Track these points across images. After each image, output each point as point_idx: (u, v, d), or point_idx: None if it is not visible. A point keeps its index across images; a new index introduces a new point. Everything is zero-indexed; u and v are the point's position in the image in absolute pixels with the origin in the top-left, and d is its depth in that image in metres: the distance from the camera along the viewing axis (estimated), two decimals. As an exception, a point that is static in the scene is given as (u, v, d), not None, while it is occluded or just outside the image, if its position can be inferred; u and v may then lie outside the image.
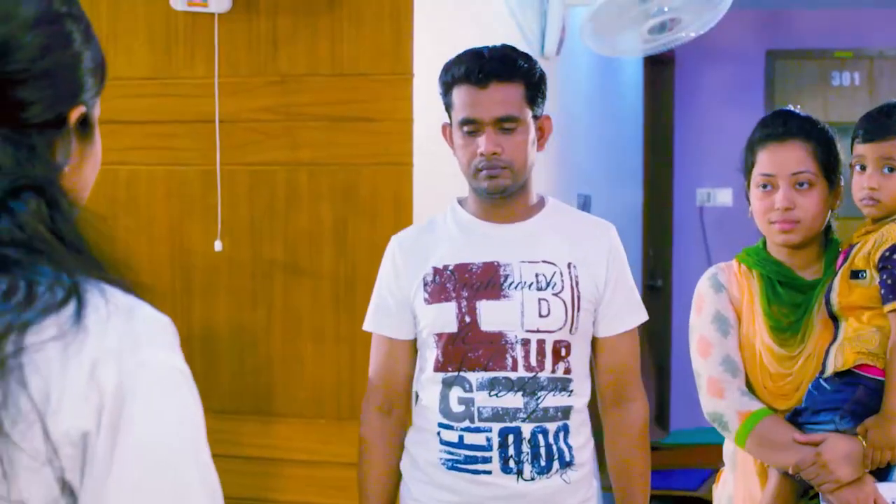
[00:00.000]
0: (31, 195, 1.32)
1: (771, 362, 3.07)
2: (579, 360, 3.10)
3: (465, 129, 3.04)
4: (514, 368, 3.02)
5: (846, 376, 2.93)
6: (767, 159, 3.09)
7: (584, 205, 6.29)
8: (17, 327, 1.25)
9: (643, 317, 3.21)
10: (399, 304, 3.16)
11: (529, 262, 3.07)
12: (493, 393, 3.02)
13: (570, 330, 3.06)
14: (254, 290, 4.02)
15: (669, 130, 8.83)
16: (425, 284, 3.10)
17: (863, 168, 3.03)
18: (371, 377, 3.25)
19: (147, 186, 4.12)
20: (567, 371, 3.06)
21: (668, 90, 8.84)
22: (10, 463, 1.24)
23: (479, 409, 3.03)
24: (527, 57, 3.09)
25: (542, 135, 3.12)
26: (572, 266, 3.08)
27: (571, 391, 3.07)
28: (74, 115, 1.41)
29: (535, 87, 3.06)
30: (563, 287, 3.05)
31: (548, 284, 3.05)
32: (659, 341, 8.37)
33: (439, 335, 3.07)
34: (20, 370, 1.25)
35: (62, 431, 1.26)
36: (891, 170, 2.99)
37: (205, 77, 4.02)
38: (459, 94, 3.04)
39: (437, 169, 3.93)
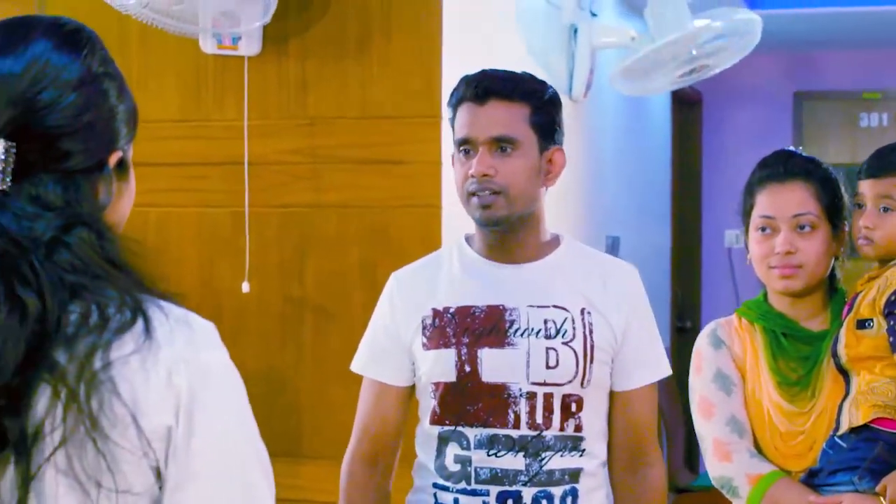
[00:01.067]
0: (82, 229, 1.55)
1: (781, 420, 2.89)
2: (594, 416, 2.79)
3: (462, 149, 2.77)
4: (517, 426, 2.71)
5: (863, 432, 2.75)
6: (767, 201, 2.93)
7: (613, 246, 6.28)
8: (101, 346, 1.50)
9: (664, 371, 2.90)
10: (395, 347, 2.86)
11: (538, 306, 2.76)
12: (491, 452, 2.72)
13: (582, 383, 2.74)
14: (283, 332, 4.03)
15: (697, 172, 8.82)
16: (424, 328, 2.80)
17: (860, 206, 2.90)
18: (357, 424, 2.97)
19: (177, 228, 4.14)
20: (578, 428, 2.75)
21: (696, 131, 8.84)
22: (113, 459, 1.49)
23: (476, 469, 2.73)
24: (538, 81, 2.84)
25: (551, 168, 2.80)
26: (586, 312, 2.76)
27: (583, 451, 2.76)
28: (112, 159, 1.65)
29: (542, 110, 2.77)
30: (574, 335, 2.74)
31: (558, 332, 2.74)
32: (688, 382, 8.33)
33: (436, 384, 2.78)
34: (111, 381, 1.49)
35: (152, 428, 1.52)
36: (886, 209, 2.85)
37: (234, 119, 4.04)
38: (460, 113, 2.78)
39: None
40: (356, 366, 2.97)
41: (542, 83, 2.84)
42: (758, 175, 2.99)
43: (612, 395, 2.84)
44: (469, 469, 2.74)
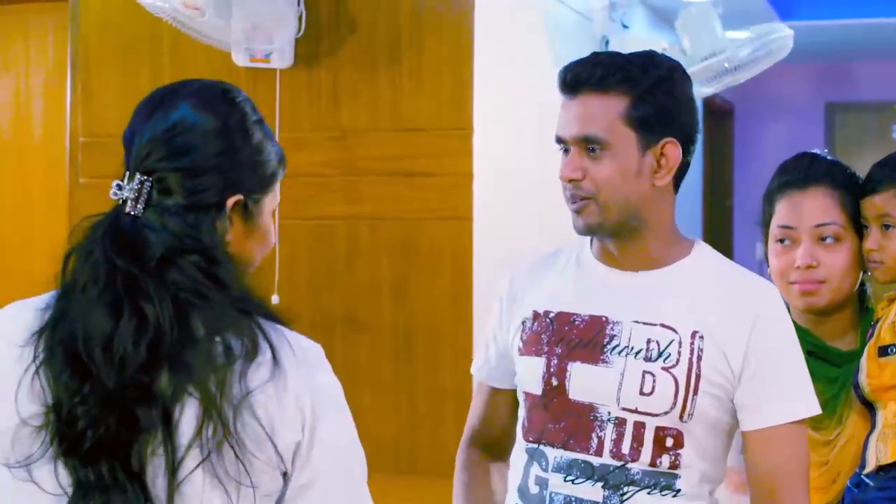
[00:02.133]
0: (194, 255, 1.83)
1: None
2: (696, 455, 2.37)
3: (560, 147, 2.43)
4: (598, 453, 2.38)
5: (891, 470, 2.48)
6: (786, 209, 2.66)
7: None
8: (239, 375, 1.78)
9: (805, 410, 2.38)
10: (500, 348, 2.59)
11: (644, 323, 2.39)
12: (568, 478, 2.40)
13: (682, 416, 2.34)
14: (313, 344, 4.03)
15: (729, 183, 8.80)
16: (523, 330, 2.51)
17: (866, 228, 2.64)
18: (468, 421, 2.74)
19: (208, 240, 4.15)
20: (674, 466, 2.35)
21: (727, 143, 8.82)
22: (250, 466, 1.78)
23: (551, 494, 2.42)
24: (648, 63, 2.39)
25: (660, 165, 2.38)
26: (698, 336, 2.36)
27: (678, 492, 2.36)
28: (230, 202, 1.90)
29: (646, 101, 2.35)
30: (678, 361, 2.35)
31: (659, 355, 2.36)
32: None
33: (526, 395, 2.49)
34: (251, 407, 1.78)
35: (284, 445, 1.81)
36: (888, 227, 2.60)
37: (266, 132, 4.04)
38: (561, 105, 2.44)
39: (498, 223, 3.94)
40: (473, 366, 2.73)
41: (652, 65, 2.40)
42: (777, 181, 2.73)
43: (743, 437, 2.41)
44: (545, 493, 2.44)
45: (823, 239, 2.64)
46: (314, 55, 4.01)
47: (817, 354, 2.65)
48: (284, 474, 1.85)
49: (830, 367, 2.66)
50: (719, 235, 8.62)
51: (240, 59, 3.94)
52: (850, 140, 8.75)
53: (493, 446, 2.69)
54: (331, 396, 1.93)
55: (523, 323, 2.51)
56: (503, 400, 2.65)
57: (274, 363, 1.83)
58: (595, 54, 2.41)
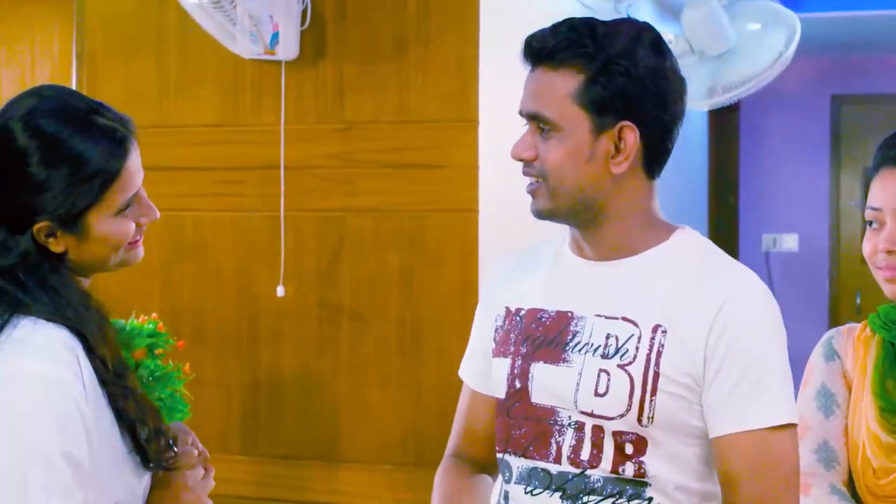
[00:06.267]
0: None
1: (875, 454, 2.31)
2: (667, 463, 2.12)
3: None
4: (557, 460, 2.16)
5: None
6: (876, 189, 2.36)
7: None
8: None
9: (780, 416, 2.07)
10: (481, 347, 2.39)
11: (606, 316, 2.16)
12: (528, 489, 2.19)
13: (640, 419, 2.09)
14: (319, 336, 4.03)
15: (734, 176, 8.79)
16: (496, 329, 2.33)
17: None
18: (452, 427, 2.50)
19: (213, 232, 4.15)
20: (640, 475, 2.10)
21: (733, 136, 8.81)
22: None
23: None
24: (613, 34, 2.13)
25: (617, 150, 2.14)
26: (660, 330, 2.11)
27: (650, 500, 2.11)
28: (36, 228, 2.06)
29: (603, 80, 2.10)
30: (634, 357, 2.11)
31: (616, 351, 2.12)
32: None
33: (497, 399, 2.30)
34: None
35: None
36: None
37: (271, 124, 4.04)
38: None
39: (503, 215, 3.93)
40: (461, 367, 2.49)
41: (614, 36, 2.13)
42: (874, 158, 2.42)
43: (712, 444, 2.13)
44: None
45: None
46: (319, 47, 4.01)
47: None
48: None
49: None
50: (724, 228, 8.61)
51: (245, 52, 3.93)
52: (855, 132, 8.73)
53: (477, 456, 2.42)
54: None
55: (496, 320, 2.34)
56: (484, 405, 2.39)
57: None
58: (558, 23, 2.17)
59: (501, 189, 3.98)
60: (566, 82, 2.11)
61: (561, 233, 2.30)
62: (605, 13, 5.03)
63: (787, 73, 5.22)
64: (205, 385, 3.96)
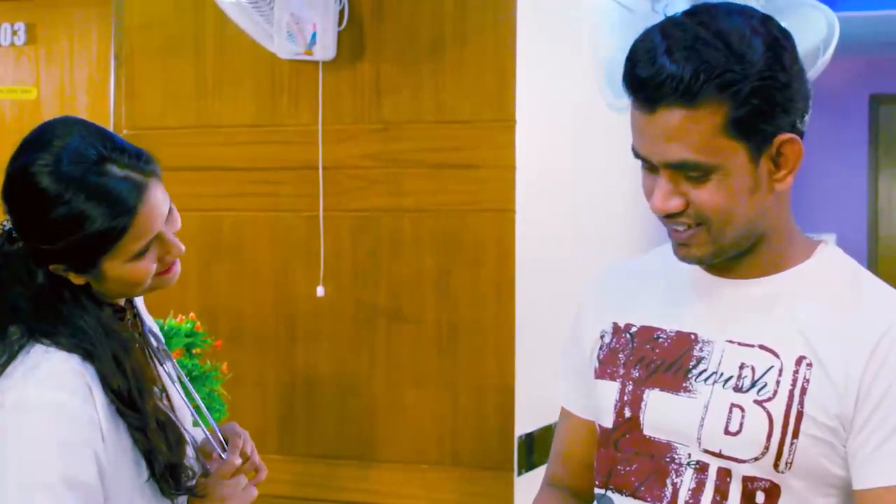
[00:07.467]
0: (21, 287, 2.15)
1: None
2: None
3: (640, 160, 1.92)
4: (672, 503, 1.93)
5: None
6: None
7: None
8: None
9: None
10: (577, 366, 2.16)
11: (739, 343, 1.91)
12: None
13: (777, 464, 1.85)
14: (356, 336, 4.03)
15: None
16: (600, 347, 2.09)
17: None
18: (550, 452, 2.29)
19: (251, 233, 4.16)
20: None
21: (770, 135, 8.78)
22: None
23: None
24: (744, 44, 1.79)
25: (778, 167, 1.88)
26: (804, 363, 1.86)
27: None
28: (52, 267, 2.12)
29: (750, 102, 1.79)
30: (775, 393, 1.85)
31: (753, 385, 1.87)
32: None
33: (599, 428, 2.07)
34: None
35: None
36: None
37: (309, 124, 4.05)
38: (631, 113, 1.90)
39: (541, 216, 3.93)
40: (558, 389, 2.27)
41: (749, 46, 1.80)
42: None
43: (855, 496, 1.87)
44: None
45: None
46: (357, 47, 4.01)
47: None
48: None
49: None
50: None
51: (283, 52, 3.94)
52: (894, 132, 8.68)
53: (576, 487, 2.21)
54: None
55: (601, 336, 2.10)
56: (583, 430, 2.18)
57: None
58: (663, 48, 1.81)
59: (539, 189, 3.98)
60: (712, 117, 1.79)
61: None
62: (643, 13, 5.01)
63: (826, 72, 5.19)
64: (242, 385, 3.97)
